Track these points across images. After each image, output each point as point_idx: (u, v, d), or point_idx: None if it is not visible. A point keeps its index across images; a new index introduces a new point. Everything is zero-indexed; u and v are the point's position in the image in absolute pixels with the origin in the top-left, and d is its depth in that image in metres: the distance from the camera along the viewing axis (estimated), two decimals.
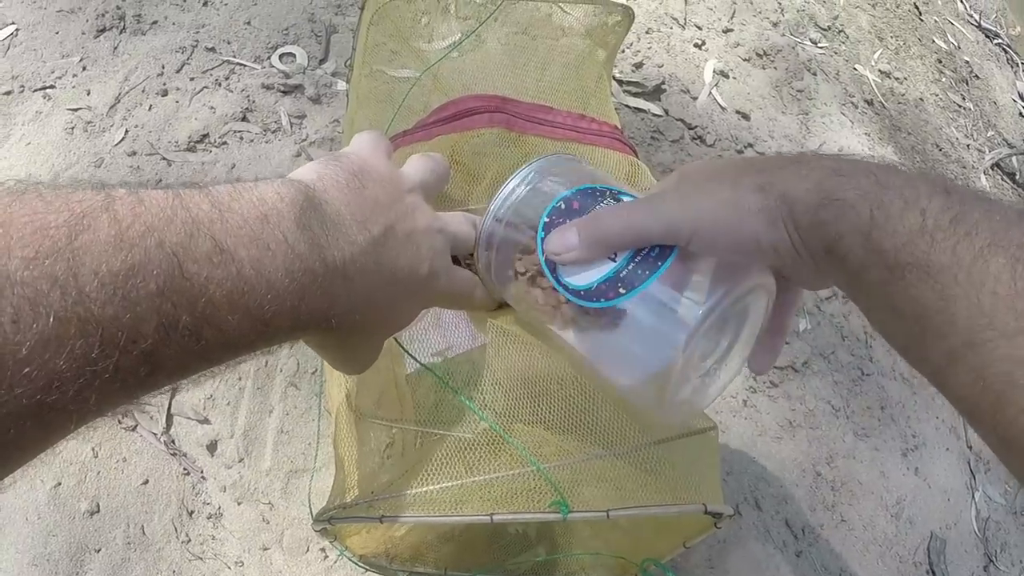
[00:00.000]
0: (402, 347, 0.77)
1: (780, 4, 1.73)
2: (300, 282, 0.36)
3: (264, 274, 0.34)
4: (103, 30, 1.28)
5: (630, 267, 0.47)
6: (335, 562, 0.96)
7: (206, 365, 0.35)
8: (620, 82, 1.43)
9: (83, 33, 1.28)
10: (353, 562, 0.93)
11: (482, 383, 0.80)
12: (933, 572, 1.20)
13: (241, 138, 1.19)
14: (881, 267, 0.38)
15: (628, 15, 0.94)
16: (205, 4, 1.34)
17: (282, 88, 1.24)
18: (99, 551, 0.94)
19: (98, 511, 0.95)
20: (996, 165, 1.83)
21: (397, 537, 0.94)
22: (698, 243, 0.45)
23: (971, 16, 2.10)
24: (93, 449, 0.98)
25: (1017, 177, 1.84)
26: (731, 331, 0.49)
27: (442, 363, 0.87)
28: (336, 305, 0.39)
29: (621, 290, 0.47)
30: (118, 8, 1.30)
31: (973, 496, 1.29)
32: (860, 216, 0.39)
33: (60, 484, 0.96)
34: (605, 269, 0.48)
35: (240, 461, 1.00)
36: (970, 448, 1.36)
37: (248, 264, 0.33)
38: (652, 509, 0.69)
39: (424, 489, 0.68)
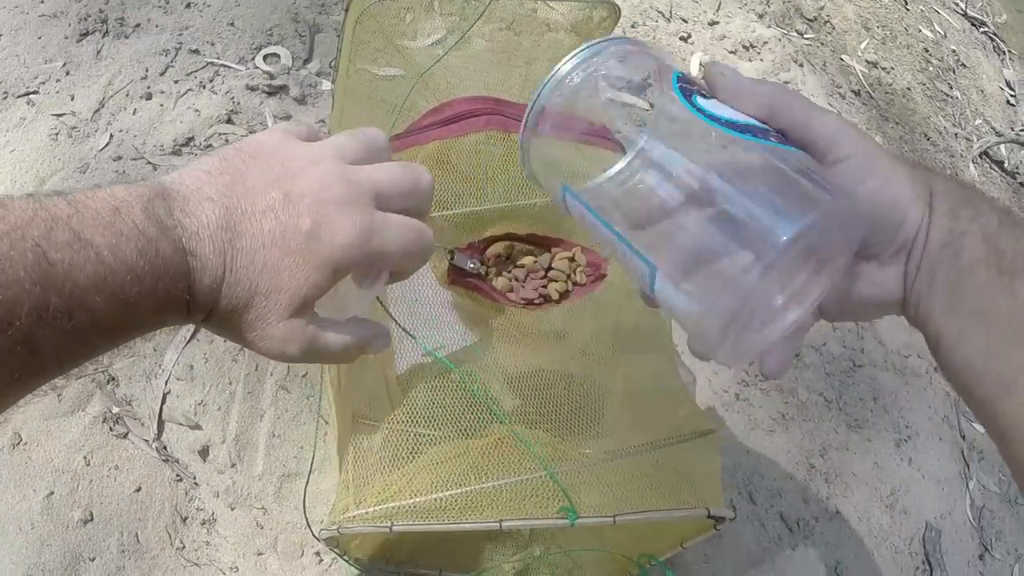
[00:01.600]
0: (411, 335, 0.77)
1: None
2: (154, 263, 0.38)
3: (121, 257, 0.36)
4: (86, 34, 1.27)
5: (776, 133, 0.43)
6: (330, 566, 0.96)
7: (87, 350, 0.38)
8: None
9: (66, 37, 1.27)
10: (350, 565, 0.93)
11: (477, 384, 0.80)
12: (929, 562, 1.20)
13: (226, 140, 1.18)
14: (994, 268, 0.39)
15: (614, 11, 0.94)
16: (188, 6, 1.33)
17: (267, 89, 1.23)
18: (94, 560, 0.93)
19: (92, 519, 0.95)
20: (984, 154, 1.83)
21: (394, 540, 0.93)
22: (845, 170, 0.43)
23: (957, 5, 2.11)
24: (85, 457, 0.98)
25: (1005, 165, 1.85)
26: (812, 267, 0.44)
27: (432, 364, 0.87)
28: (197, 283, 0.40)
29: (772, 138, 0.43)
30: (100, 12, 1.29)
31: (967, 485, 1.29)
32: (989, 221, 0.40)
33: (53, 493, 0.95)
34: (752, 120, 0.44)
35: (232, 466, 0.99)
36: (963, 437, 1.37)
37: (106, 249, 0.36)
38: (658, 514, 0.69)
39: (434, 496, 0.68)
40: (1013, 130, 1.91)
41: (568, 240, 0.90)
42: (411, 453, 0.77)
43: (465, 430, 0.76)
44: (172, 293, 0.39)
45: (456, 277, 0.84)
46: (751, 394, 1.22)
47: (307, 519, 0.94)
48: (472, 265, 0.84)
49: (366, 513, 0.68)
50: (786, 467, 1.19)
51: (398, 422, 0.88)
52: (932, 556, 1.21)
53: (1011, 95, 2.00)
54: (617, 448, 0.76)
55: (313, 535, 0.86)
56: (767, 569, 1.10)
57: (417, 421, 0.87)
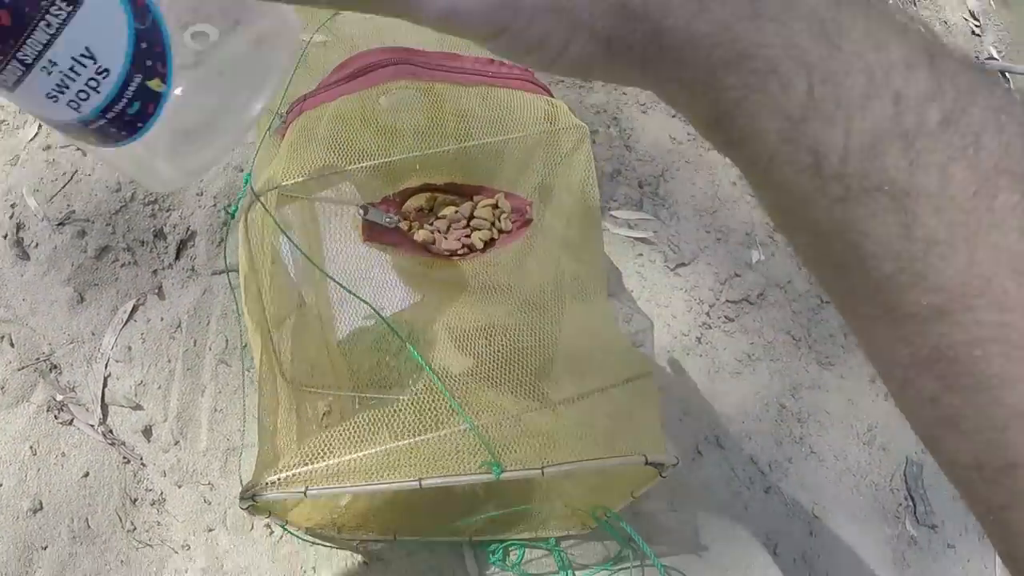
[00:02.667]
0: (365, 301, 0.75)
1: None
2: None
3: None
4: None
5: None
6: (281, 537, 0.94)
7: None
8: None
9: None
10: (297, 536, 0.91)
11: (417, 341, 0.78)
12: (912, 497, 1.17)
13: None
14: (814, 182, 0.25)
15: None
16: None
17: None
18: (46, 548, 0.92)
19: (41, 508, 0.94)
20: None
21: (341, 506, 0.92)
22: None
23: None
24: (31, 447, 0.96)
25: None
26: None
27: (375, 324, 0.85)
28: None
29: None
30: None
31: None
32: (788, 90, 0.24)
33: (1, 485, 0.94)
34: None
35: (176, 444, 0.98)
36: None
37: None
38: (589, 463, 0.67)
39: (349, 458, 0.66)
40: (978, 60, 1.87)
41: (490, 187, 0.87)
42: (348, 417, 0.75)
43: (411, 389, 0.74)
44: None
45: (373, 234, 0.81)
46: (714, 336, 1.19)
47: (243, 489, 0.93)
48: (388, 220, 0.81)
49: (279, 479, 0.66)
50: (755, 410, 1.16)
51: (341, 388, 0.86)
52: (915, 491, 1.18)
53: (976, 25, 1.96)
54: (546, 397, 0.74)
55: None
56: (739, 513, 1.07)
57: (362, 385, 0.86)
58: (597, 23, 0.26)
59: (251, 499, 0.67)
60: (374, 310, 0.73)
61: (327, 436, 0.69)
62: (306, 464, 0.66)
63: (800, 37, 0.24)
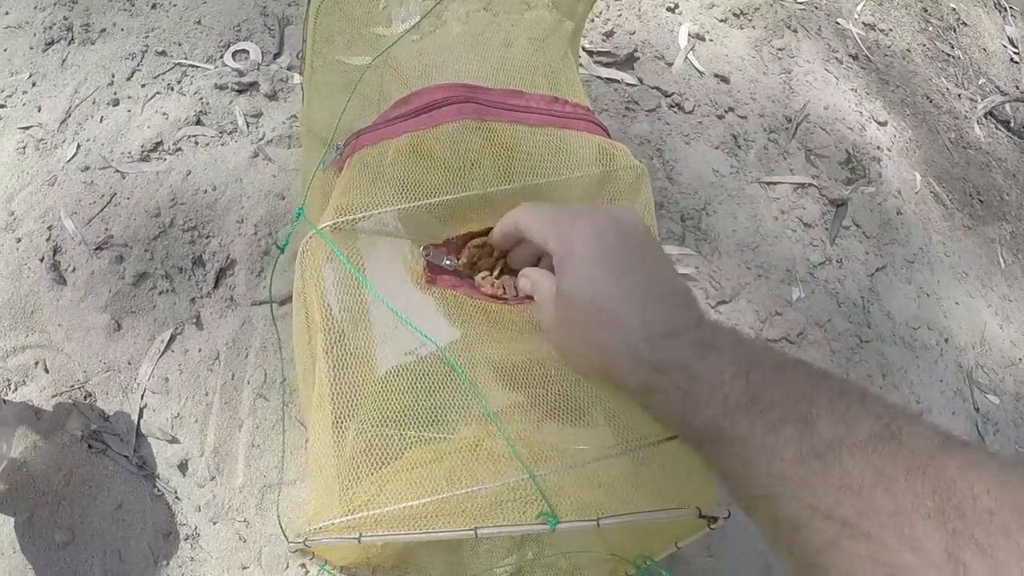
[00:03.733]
0: (428, 338, 0.73)
1: None
2: None
3: None
4: (51, 43, 1.24)
5: None
6: None
7: None
8: (590, 53, 1.38)
9: (31, 48, 1.24)
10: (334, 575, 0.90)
11: (462, 380, 0.76)
12: None
13: (196, 143, 1.14)
14: (694, 440, 0.50)
15: None
16: (154, 7, 1.29)
17: (236, 87, 1.19)
18: None
19: (74, 540, 0.92)
20: (989, 114, 1.77)
21: (378, 547, 0.90)
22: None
23: None
24: (65, 476, 0.95)
25: (1011, 124, 1.79)
26: None
27: (415, 362, 0.84)
28: None
29: None
30: (65, 19, 1.25)
31: None
32: (675, 403, 0.50)
33: (33, 515, 0.93)
34: None
35: (212, 479, 0.96)
36: (977, 410, 1.32)
37: None
38: (643, 515, 0.65)
39: (405, 505, 0.64)
40: (1018, 88, 1.84)
41: None
42: (392, 456, 0.74)
43: (448, 430, 0.72)
44: None
45: (433, 276, 0.80)
46: None
47: (283, 530, 0.92)
48: (449, 262, 0.80)
49: (332, 524, 0.65)
50: None
51: (380, 424, 0.85)
52: None
53: (1014, 52, 1.94)
54: (604, 446, 0.72)
55: (291, 552, 0.83)
56: (772, 560, 1.06)
57: (400, 422, 0.84)
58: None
59: (303, 544, 0.66)
60: (441, 351, 0.71)
61: (380, 479, 0.67)
62: (361, 510, 0.65)
63: (676, 378, 0.51)
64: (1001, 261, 1.55)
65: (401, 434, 0.84)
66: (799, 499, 0.41)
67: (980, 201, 1.60)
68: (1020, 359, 1.43)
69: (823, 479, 0.41)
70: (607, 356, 0.54)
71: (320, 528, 0.65)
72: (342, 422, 0.81)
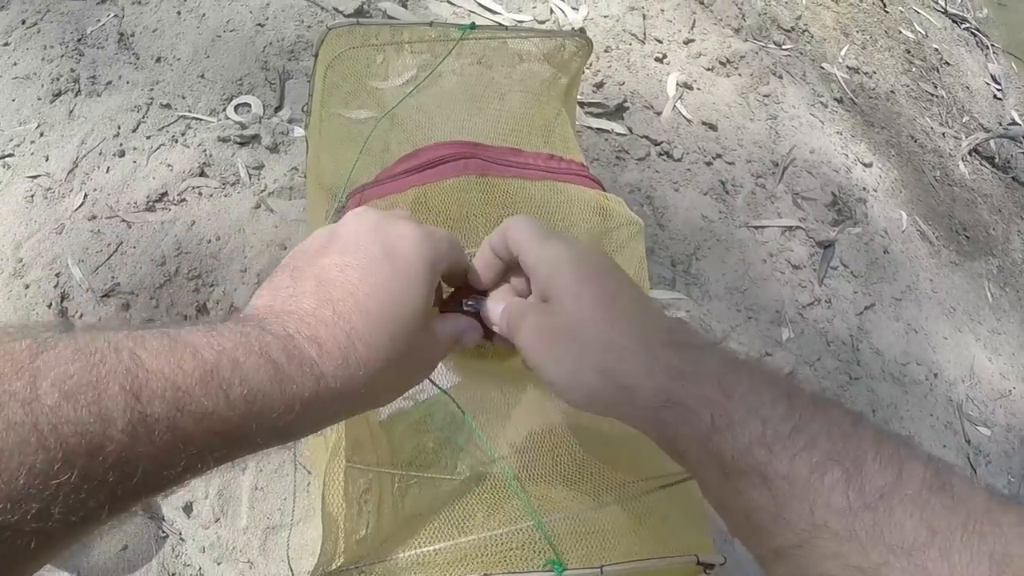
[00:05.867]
0: (435, 384, 0.76)
1: (741, 9, 1.72)
2: (266, 356, 0.37)
3: (222, 351, 0.36)
4: (59, 94, 1.28)
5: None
6: None
7: (201, 460, 0.35)
8: (581, 104, 1.42)
9: (39, 99, 1.28)
10: None
11: (463, 428, 0.79)
12: None
13: (200, 194, 1.18)
14: (718, 470, 0.41)
15: (585, 45, 0.93)
16: (159, 60, 1.33)
17: (238, 139, 1.23)
18: None
19: None
20: (974, 151, 1.81)
21: None
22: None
23: (937, 3, 2.09)
24: None
25: (996, 160, 1.83)
26: None
27: (414, 406, 0.86)
28: (325, 365, 0.40)
29: None
30: (72, 71, 1.29)
31: None
32: (701, 421, 0.41)
33: None
34: None
35: (217, 521, 0.98)
36: (968, 442, 1.34)
37: (205, 348, 0.35)
38: (646, 562, 0.68)
39: (417, 552, 0.66)
40: (1001, 124, 1.89)
41: None
42: (399, 498, 0.76)
43: (448, 471, 0.74)
44: (297, 382, 0.38)
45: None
46: None
47: (292, 571, 0.94)
48: (469, 305, 0.82)
49: (346, 571, 0.67)
50: None
51: (382, 465, 0.87)
52: None
53: (997, 89, 1.99)
54: (606, 494, 0.75)
55: None
56: None
57: (404, 465, 0.86)
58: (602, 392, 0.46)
59: None
60: (451, 398, 0.74)
61: (384, 526, 0.69)
62: (372, 556, 0.67)
63: (706, 390, 0.41)
64: (988, 295, 1.58)
65: (403, 475, 0.86)
66: (841, 556, 0.36)
67: (966, 237, 1.64)
68: (1010, 391, 1.46)
69: (872, 535, 0.36)
70: (621, 363, 0.44)
71: (333, 573, 0.67)
72: (349, 466, 0.83)
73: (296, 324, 0.39)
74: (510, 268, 0.57)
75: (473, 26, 0.86)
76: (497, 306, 0.56)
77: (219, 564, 0.97)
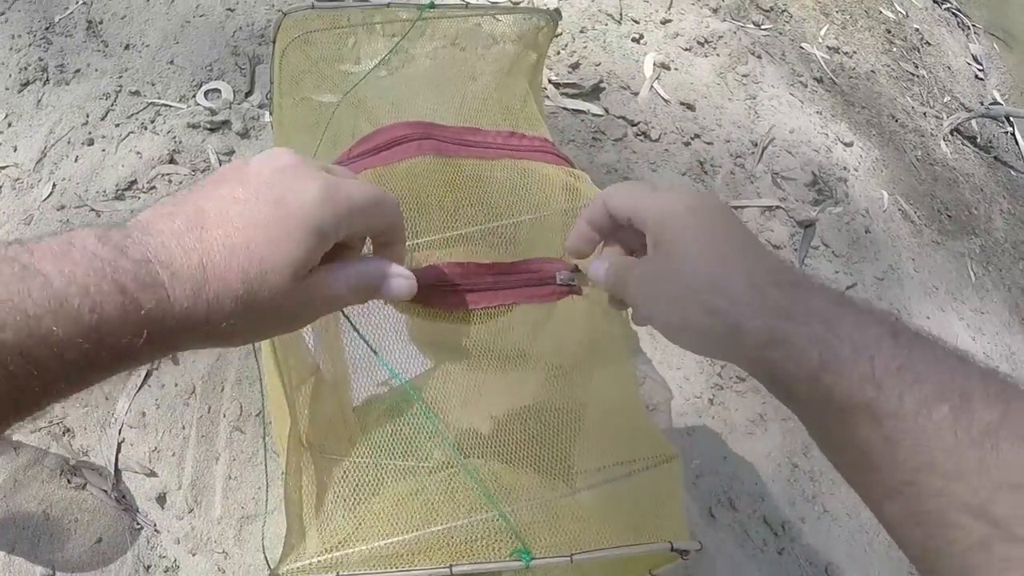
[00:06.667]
0: (393, 373, 0.75)
1: None
2: (115, 281, 0.37)
3: (74, 280, 0.35)
4: (26, 84, 1.26)
5: None
6: None
7: (49, 390, 0.36)
8: (557, 85, 1.41)
9: (7, 89, 1.26)
10: None
11: (434, 413, 0.77)
12: None
13: (170, 181, 1.16)
14: (827, 407, 0.41)
15: (551, 19, 0.92)
16: (127, 47, 1.31)
17: (209, 126, 1.21)
18: None
19: (54, 575, 0.93)
20: (955, 130, 1.81)
21: None
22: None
23: None
24: (44, 512, 0.96)
25: (978, 140, 1.82)
26: None
27: (389, 392, 0.85)
28: (176, 291, 0.39)
29: None
30: (40, 60, 1.28)
31: None
32: (808, 359, 0.41)
33: (14, 550, 0.93)
34: None
35: (191, 511, 0.97)
36: None
37: (56, 276, 0.35)
38: (617, 550, 0.67)
39: (382, 543, 0.65)
40: (983, 104, 1.88)
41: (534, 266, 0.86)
42: (371, 487, 0.75)
43: (423, 457, 0.73)
44: (145, 308, 0.37)
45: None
46: (726, 397, 1.19)
47: (267, 561, 0.93)
48: (563, 277, 0.80)
49: (310, 563, 0.65)
50: (767, 469, 1.16)
51: (356, 455, 0.86)
52: None
53: (979, 69, 1.98)
54: (578, 479, 0.74)
55: None
56: None
57: (375, 452, 0.85)
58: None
59: None
60: (406, 387, 0.72)
61: (357, 516, 0.68)
62: (338, 548, 0.66)
63: (813, 328, 0.42)
64: (971, 275, 1.57)
65: (377, 463, 0.85)
66: (949, 493, 0.36)
67: (948, 216, 1.63)
68: (994, 370, 1.45)
69: (979, 472, 0.36)
70: (729, 303, 0.44)
71: (298, 568, 0.65)
72: (318, 454, 0.82)
73: (156, 248, 0.39)
74: (606, 240, 0.60)
75: (432, 5, 0.84)
76: (601, 264, 0.59)
77: (194, 555, 0.96)
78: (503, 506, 0.65)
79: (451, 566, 0.63)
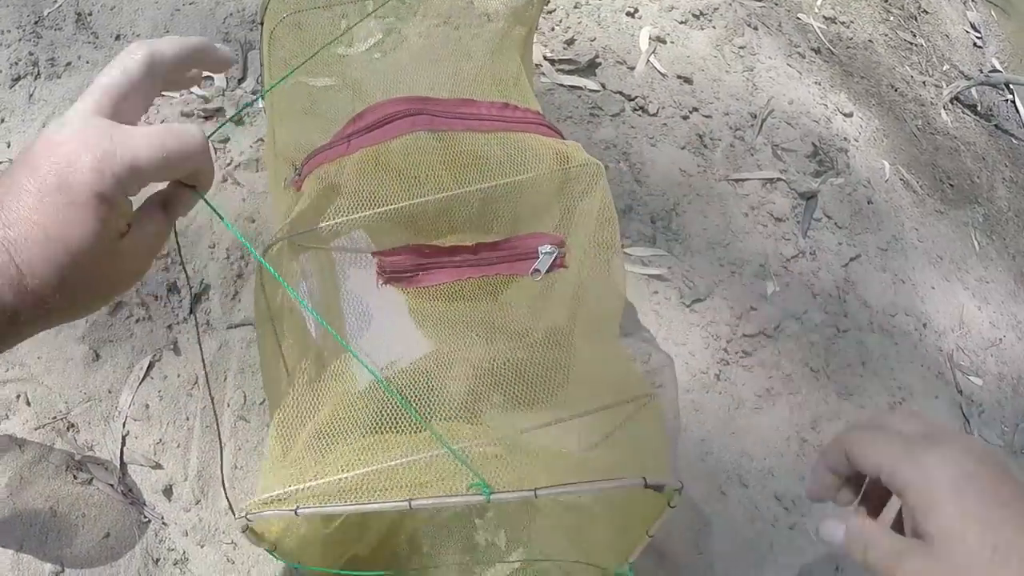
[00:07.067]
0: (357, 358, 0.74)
1: None
2: None
3: None
4: (18, 79, 1.24)
5: None
6: None
7: None
8: (552, 61, 1.39)
9: None
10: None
11: (433, 389, 0.76)
12: None
13: None
14: None
15: None
16: (118, 38, 1.30)
17: (202, 113, 1.20)
18: None
19: (63, 571, 0.92)
20: (955, 99, 1.80)
21: (336, 540, 0.89)
22: None
23: None
24: (51, 508, 0.95)
25: (978, 108, 1.81)
26: None
27: (391, 374, 0.84)
28: None
29: None
30: (31, 54, 1.26)
31: None
32: None
33: (22, 547, 0.93)
34: None
35: (197, 503, 0.97)
36: (960, 392, 1.33)
37: None
38: (583, 486, 0.65)
39: (341, 476, 0.64)
40: (983, 72, 1.87)
41: (517, 237, 0.86)
42: (338, 437, 0.74)
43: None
44: None
45: (391, 276, 0.80)
46: (732, 373, 1.18)
47: (230, 505, 0.91)
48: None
49: (271, 496, 0.64)
50: (776, 444, 1.16)
51: (362, 436, 0.85)
52: None
53: (977, 37, 1.97)
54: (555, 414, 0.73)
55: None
56: (764, 552, 1.07)
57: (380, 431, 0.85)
58: None
59: (245, 518, 0.65)
60: (378, 378, 0.72)
61: (321, 459, 0.67)
62: (297, 482, 0.65)
63: None
64: (975, 244, 1.57)
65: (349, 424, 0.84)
66: None
67: (951, 185, 1.62)
68: (1000, 339, 1.44)
69: None
70: None
71: (261, 501, 0.64)
72: (325, 439, 0.81)
73: None
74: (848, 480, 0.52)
75: None
76: (838, 529, 0.49)
77: (203, 547, 0.96)
78: (452, 443, 0.64)
79: (410, 500, 0.62)
